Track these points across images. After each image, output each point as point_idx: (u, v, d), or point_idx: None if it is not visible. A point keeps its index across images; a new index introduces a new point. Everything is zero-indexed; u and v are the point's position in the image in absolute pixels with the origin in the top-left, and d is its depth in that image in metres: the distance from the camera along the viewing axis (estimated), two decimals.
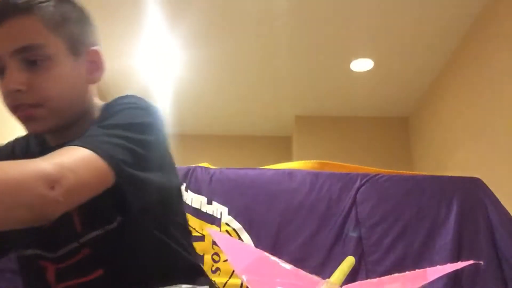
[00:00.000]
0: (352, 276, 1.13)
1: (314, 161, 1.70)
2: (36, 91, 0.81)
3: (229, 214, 1.46)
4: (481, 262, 1.26)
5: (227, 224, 1.44)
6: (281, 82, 3.97)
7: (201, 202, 1.48)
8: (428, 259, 1.36)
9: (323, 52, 3.52)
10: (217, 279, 1.36)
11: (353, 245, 1.40)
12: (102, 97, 0.95)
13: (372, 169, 1.60)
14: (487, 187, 1.47)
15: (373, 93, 4.10)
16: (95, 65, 0.92)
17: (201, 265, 1.06)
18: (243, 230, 1.43)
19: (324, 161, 1.72)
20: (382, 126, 4.48)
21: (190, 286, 0.86)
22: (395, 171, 1.60)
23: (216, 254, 1.40)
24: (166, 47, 3.49)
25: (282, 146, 4.87)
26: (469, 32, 3.15)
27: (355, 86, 3.97)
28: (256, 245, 1.40)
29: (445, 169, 3.44)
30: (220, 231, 1.43)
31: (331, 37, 3.33)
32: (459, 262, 0.50)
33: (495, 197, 1.45)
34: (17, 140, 1.00)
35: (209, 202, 1.48)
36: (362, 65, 3.66)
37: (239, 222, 1.45)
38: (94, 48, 0.91)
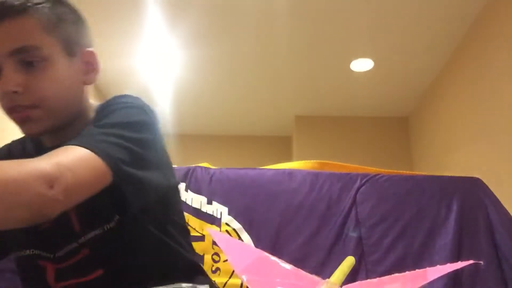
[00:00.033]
0: (352, 276, 1.13)
1: (314, 161, 1.70)
2: (33, 92, 0.81)
3: (229, 214, 1.46)
4: (481, 262, 1.26)
5: (227, 224, 1.44)
6: (281, 82, 3.97)
7: (201, 202, 1.48)
8: (428, 259, 1.36)
9: (323, 52, 3.52)
10: (217, 279, 1.36)
11: (353, 245, 1.40)
12: (102, 97, 0.96)
13: (372, 169, 1.60)
14: (487, 187, 1.47)
15: (373, 93, 4.10)
16: (90, 66, 0.92)
17: (201, 264, 1.06)
18: (243, 230, 1.43)
19: (324, 161, 1.72)
20: (382, 126, 4.48)
21: (190, 285, 0.86)
22: (395, 171, 1.60)
23: (216, 254, 1.40)
24: (166, 47, 3.49)
25: (282, 146, 4.87)
26: (469, 32, 3.15)
27: (355, 86, 3.97)
28: (256, 245, 1.40)
29: (445, 169, 3.45)
30: (220, 231, 1.43)
31: (331, 37, 3.33)
32: (459, 262, 0.50)
33: (495, 197, 1.45)
34: (13, 143, 1.00)
35: (209, 202, 1.48)
36: (362, 65, 3.66)
37: (239, 222, 1.45)
38: (89, 49, 0.92)
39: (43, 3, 0.83)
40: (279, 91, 4.12)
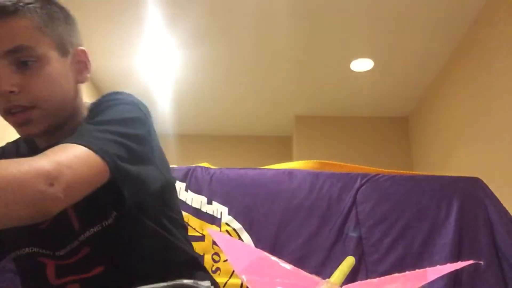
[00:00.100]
0: (352, 276, 1.14)
1: (314, 161, 1.70)
2: (29, 92, 0.81)
3: (229, 214, 1.46)
4: (481, 262, 1.26)
5: (227, 224, 1.44)
6: (281, 82, 3.97)
7: (201, 202, 1.48)
8: (428, 259, 1.36)
9: (323, 52, 3.52)
10: (217, 279, 1.35)
11: (353, 245, 1.40)
12: None
13: (372, 169, 1.60)
14: (487, 187, 1.47)
15: (373, 93, 4.10)
16: (83, 65, 0.92)
17: (200, 260, 1.06)
18: (243, 230, 1.44)
19: (324, 161, 1.72)
20: (382, 126, 4.48)
21: (191, 281, 0.86)
22: (395, 171, 1.60)
23: (216, 254, 1.40)
24: (166, 47, 3.49)
25: (282, 146, 4.87)
26: (469, 32, 3.15)
27: (355, 86, 3.97)
28: (256, 245, 1.40)
29: (445, 169, 3.45)
30: (220, 231, 1.43)
31: (331, 37, 3.33)
32: (459, 262, 0.49)
33: (495, 197, 1.45)
34: (6, 145, 1.01)
35: (209, 202, 1.48)
36: (362, 65, 3.66)
37: (239, 222, 1.45)
38: (81, 48, 0.92)
39: (33, 3, 0.83)
40: (279, 91, 4.12)
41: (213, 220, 1.45)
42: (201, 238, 1.42)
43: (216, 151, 4.77)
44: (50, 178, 0.65)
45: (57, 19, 0.87)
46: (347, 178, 1.52)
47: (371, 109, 4.38)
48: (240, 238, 1.42)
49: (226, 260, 1.38)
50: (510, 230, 1.37)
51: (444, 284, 1.29)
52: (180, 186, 1.50)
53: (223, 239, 0.65)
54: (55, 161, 0.67)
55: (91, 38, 3.30)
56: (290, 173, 1.56)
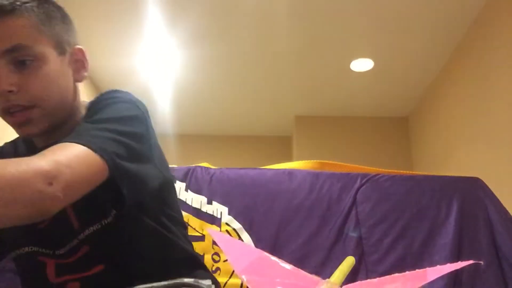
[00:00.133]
0: (352, 276, 1.13)
1: (314, 161, 1.70)
2: (27, 91, 0.81)
3: (229, 214, 1.46)
4: (481, 262, 1.26)
5: (227, 224, 1.44)
6: (281, 82, 3.97)
7: (201, 202, 1.48)
8: (428, 259, 1.36)
9: (323, 52, 3.52)
10: (217, 279, 1.35)
11: (353, 245, 1.40)
12: None
13: (372, 169, 1.60)
14: (487, 187, 1.47)
15: (373, 93, 4.10)
16: (81, 64, 0.92)
17: (199, 256, 1.06)
18: (243, 230, 1.43)
19: (324, 161, 1.72)
20: (382, 126, 4.48)
21: (192, 280, 0.86)
22: (395, 171, 1.60)
23: (216, 254, 1.40)
24: (166, 47, 3.49)
25: (282, 146, 4.87)
26: (469, 32, 3.15)
27: (355, 86, 3.97)
28: (256, 245, 1.40)
29: (445, 169, 3.44)
30: (220, 231, 1.43)
31: (331, 37, 3.33)
32: (459, 262, 0.49)
33: (495, 197, 1.45)
34: (4, 145, 1.01)
35: (209, 202, 1.48)
36: (362, 65, 3.66)
37: (239, 222, 1.45)
38: (78, 46, 0.92)
39: (30, 2, 0.83)
40: (279, 91, 4.12)
41: (213, 220, 1.45)
42: (201, 238, 1.42)
43: (216, 151, 4.77)
44: (49, 177, 0.65)
45: (54, 18, 0.87)
46: (347, 178, 1.52)
47: (371, 109, 4.38)
48: (240, 238, 1.42)
49: (226, 260, 1.38)
50: (510, 230, 1.37)
51: (444, 284, 1.29)
52: (180, 186, 1.50)
53: (223, 239, 0.65)
54: (54, 161, 0.67)
55: (91, 38, 3.30)
56: (290, 173, 1.56)
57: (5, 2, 0.80)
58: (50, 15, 0.86)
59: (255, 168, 1.60)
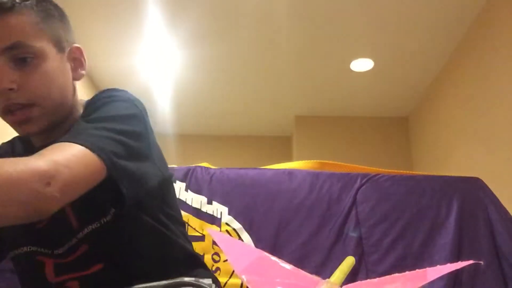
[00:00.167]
0: (352, 276, 1.13)
1: (314, 161, 1.70)
2: (27, 89, 0.81)
3: (229, 214, 1.46)
4: (481, 262, 1.26)
5: (227, 224, 1.44)
6: (281, 82, 3.97)
7: (201, 202, 1.48)
8: (428, 259, 1.36)
9: (323, 52, 3.52)
10: (218, 279, 1.36)
11: (353, 245, 1.40)
12: None
13: (372, 169, 1.60)
14: (487, 187, 1.47)
15: (373, 93, 4.10)
16: (78, 62, 0.92)
17: (199, 255, 1.06)
18: (243, 230, 1.43)
19: (324, 161, 1.72)
20: (382, 126, 4.48)
21: (193, 279, 0.86)
22: (395, 171, 1.60)
23: (216, 254, 1.40)
24: (166, 47, 3.49)
25: (282, 146, 4.87)
26: (469, 32, 3.15)
27: (355, 86, 3.97)
28: (256, 245, 1.40)
29: (445, 169, 3.45)
30: (220, 231, 1.43)
31: (331, 37, 3.33)
32: (459, 262, 0.49)
33: (495, 197, 1.45)
34: (2, 145, 1.00)
35: (209, 202, 1.48)
36: (362, 65, 3.66)
37: (239, 222, 1.45)
38: (76, 45, 0.92)
39: (29, 0, 0.83)
40: (279, 91, 4.12)
41: (213, 220, 1.45)
42: (201, 238, 1.42)
43: (216, 151, 4.77)
44: (47, 177, 0.65)
45: (53, 16, 0.87)
46: (347, 178, 1.52)
47: (371, 109, 4.38)
48: (240, 238, 1.42)
49: (226, 260, 1.38)
50: (510, 230, 1.37)
51: (444, 284, 1.29)
52: (180, 186, 1.50)
53: (223, 239, 0.65)
54: (51, 160, 0.67)
55: (91, 38, 3.30)
56: (290, 173, 1.56)
57: (5, 0, 0.80)
58: (49, 13, 0.86)
59: (255, 168, 1.60)
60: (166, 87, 4.05)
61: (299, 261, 1.37)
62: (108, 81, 3.84)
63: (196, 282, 0.85)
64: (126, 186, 0.77)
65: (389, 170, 1.59)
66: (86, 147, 0.73)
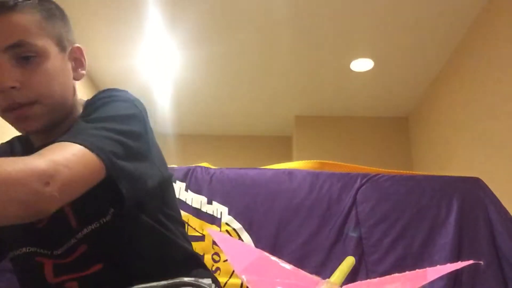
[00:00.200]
0: (352, 276, 1.13)
1: (314, 161, 1.70)
2: (30, 88, 0.81)
3: (229, 214, 1.46)
4: (481, 262, 1.26)
5: (227, 224, 1.44)
6: (281, 82, 3.97)
7: (201, 202, 1.48)
8: (428, 259, 1.36)
9: (323, 52, 3.52)
10: (217, 279, 1.36)
11: (353, 245, 1.40)
12: None
13: (372, 169, 1.60)
14: (487, 187, 1.47)
15: (373, 93, 4.10)
16: (79, 62, 0.93)
17: (198, 255, 1.06)
18: (243, 230, 1.43)
19: (324, 161, 1.72)
20: (382, 126, 4.48)
21: (193, 279, 0.86)
22: (395, 171, 1.60)
23: (216, 254, 1.40)
24: (166, 47, 3.49)
25: (282, 146, 4.87)
26: (469, 32, 3.15)
27: (355, 86, 3.97)
28: (256, 245, 1.40)
29: (445, 169, 3.45)
30: (220, 231, 1.43)
31: (331, 37, 3.33)
32: (459, 262, 0.49)
33: (495, 197, 1.45)
34: (0, 146, 1.00)
35: (209, 202, 1.48)
36: (362, 65, 3.66)
37: (239, 222, 1.45)
38: (77, 45, 0.92)
39: None
40: (279, 91, 4.12)
41: (213, 220, 1.45)
42: (201, 238, 1.42)
43: (216, 151, 4.77)
44: (46, 177, 0.65)
45: (54, 16, 0.87)
46: (347, 178, 1.52)
47: (371, 109, 4.38)
48: (240, 238, 1.42)
49: (226, 260, 1.38)
50: (510, 230, 1.37)
51: (444, 284, 1.29)
52: (180, 186, 1.50)
53: (223, 239, 0.65)
54: (50, 160, 0.67)
55: (92, 39, 3.30)
56: (290, 173, 1.56)
57: None
58: (51, 13, 0.86)
59: (255, 168, 1.60)
60: (166, 87, 4.05)
61: (299, 261, 1.36)
62: (108, 81, 3.84)
63: (196, 282, 0.85)
64: (126, 186, 0.77)
65: (389, 170, 1.59)
66: (86, 146, 0.72)
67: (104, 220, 0.83)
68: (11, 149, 0.97)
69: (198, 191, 1.50)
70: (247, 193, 1.50)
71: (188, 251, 0.96)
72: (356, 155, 4.21)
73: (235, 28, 3.26)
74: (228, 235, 1.40)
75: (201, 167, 1.58)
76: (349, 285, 0.52)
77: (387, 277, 0.52)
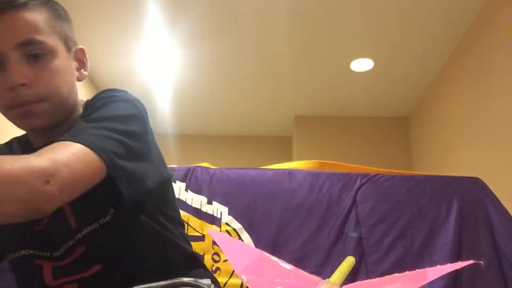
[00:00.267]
0: (352, 276, 1.13)
1: (314, 161, 1.70)
2: (38, 85, 0.82)
3: (229, 214, 1.46)
4: (481, 262, 1.26)
5: (227, 224, 1.44)
6: (281, 82, 3.97)
7: (201, 202, 1.48)
8: (428, 259, 1.36)
9: (323, 52, 3.52)
10: (217, 279, 1.35)
11: (353, 245, 1.40)
12: None
13: (372, 169, 1.60)
14: (487, 187, 1.47)
15: (373, 93, 4.10)
16: (82, 63, 0.94)
17: (198, 256, 1.06)
18: (243, 230, 1.43)
19: (324, 161, 1.72)
20: (382, 126, 4.48)
21: (192, 279, 0.86)
22: (395, 171, 1.60)
23: (216, 254, 1.40)
24: (166, 47, 3.49)
25: (282, 146, 4.87)
26: (469, 32, 3.15)
27: (355, 86, 3.97)
28: (256, 245, 1.40)
29: (445, 169, 3.45)
30: (220, 231, 1.43)
31: (331, 37, 3.33)
32: (459, 262, 0.49)
33: (495, 197, 1.45)
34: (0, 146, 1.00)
35: (209, 202, 1.48)
36: (362, 65, 3.66)
37: (239, 222, 1.45)
38: (80, 46, 0.93)
39: None
40: (279, 91, 4.12)
41: (213, 220, 1.45)
42: (201, 238, 1.42)
43: (216, 151, 4.77)
44: (46, 175, 0.65)
45: (61, 16, 0.88)
46: (347, 178, 1.52)
47: (371, 109, 4.38)
48: (240, 238, 1.42)
49: (226, 260, 1.38)
50: (510, 230, 1.37)
51: (444, 284, 1.29)
52: (180, 186, 1.50)
53: (223, 239, 0.65)
54: (51, 159, 0.67)
55: (91, 38, 3.30)
56: (290, 173, 1.56)
57: None
58: (58, 13, 0.88)
59: (255, 168, 1.60)
60: (166, 87, 4.05)
61: (299, 261, 1.36)
62: (108, 81, 3.84)
63: (195, 283, 0.85)
64: (126, 186, 0.77)
65: (389, 170, 1.59)
66: (86, 146, 0.72)
67: (104, 221, 0.83)
68: (10, 150, 0.97)
69: (198, 191, 1.50)
70: (247, 193, 1.50)
71: (188, 252, 0.96)
72: (356, 155, 4.21)
73: (235, 27, 3.26)
74: (228, 235, 1.40)
75: (201, 167, 1.58)
76: (349, 285, 0.52)
77: (387, 277, 0.52)
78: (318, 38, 3.35)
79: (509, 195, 1.88)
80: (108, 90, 0.92)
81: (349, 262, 0.63)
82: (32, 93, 0.81)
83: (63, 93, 0.85)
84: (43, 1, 0.84)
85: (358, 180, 1.51)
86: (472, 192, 1.45)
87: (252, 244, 1.41)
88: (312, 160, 1.71)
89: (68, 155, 0.70)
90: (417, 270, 0.50)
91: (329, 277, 0.56)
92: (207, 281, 0.90)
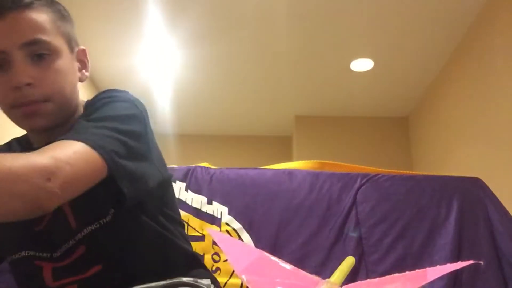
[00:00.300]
0: (352, 276, 1.13)
1: (314, 161, 1.70)
2: (43, 85, 0.82)
3: (229, 214, 1.46)
4: (481, 262, 1.26)
5: (227, 224, 1.44)
6: (281, 82, 3.97)
7: (201, 202, 1.48)
8: (428, 259, 1.36)
9: (323, 52, 3.52)
10: (217, 279, 1.35)
11: (353, 245, 1.40)
12: None
13: (372, 169, 1.60)
14: (487, 187, 1.47)
15: (373, 93, 4.10)
16: (84, 64, 0.94)
17: (198, 256, 1.06)
18: (243, 230, 1.43)
19: (324, 161, 1.72)
20: (382, 126, 4.48)
21: (192, 279, 0.86)
22: (395, 171, 1.60)
23: (216, 254, 1.40)
24: (166, 47, 3.49)
25: (282, 146, 4.87)
26: (469, 32, 3.15)
27: (355, 86, 3.97)
28: (256, 245, 1.40)
29: (445, 169, 3.45)
30: (220, 231, 1.43)
31: (331, 37, 3.33)
32: (459, 262, 0.49)
33: (495, 197, 1.45)
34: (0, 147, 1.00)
35: (209, 202, 1.48)
36: (362, 65, 3.66)
37: (239, 222, 1.45)
38: (82, 47, 0.94)
39: None
40: (279, 91, 4.12)
41: (213, 220, 1.45)
42: (201, 238, 1.42)
43: (216, 151, 4.77)
44: (48, 173, 0.65)
45: (64, 16, 0.89)
46: (347, 178, 1.52)
47: (371, 109, 4.38)
48: (240, 238, 1.42)
49: (226, 260, 1.38)
50: (510, 230, 1.37)
51: (444, 284, 1.29)
52: (180, 186, 1.50)
53: (223, 239, 0.65)
54: (53, 157, 0.67)
55: (91, 38, 3.30)
56: (290, 173, 1.56)
57: None
58: (62, 14, 0.88)
59: (255, 168, 1.60)
60: (166, 87, 4.05)
61: (299, 261, 1.36)
62: (108, 81, 3.84)
63: (195, 283, 0.85)
64: (127, 185, 0.77)
65: (389, 170, 1.59)
66: (88, 144, 0.73)
67: (104, 221, 0.83)
68: (10, 150, 0.97)
69: (198, 191, 1.50)
70: (247, 193, 1.50)
71: (188, 252, 0.96)
72: (356, 155, 4.21)
73: (235, 27, 3.26)
74: (228, 235, 1.40)
75: (201, 167, 1.58)
76: (349, 285, 0.52)
77: (387, 277, 0.52)
78: (318, 38, 3.35)
79: (509, 195, 1.88)
80: (109, 90, 0.92)
81: (349, 262, 0.63)
82: (37, 93, 0.81)
83: (67, 93, 0.86)
84: (47, 1, 0.85)
85: (358, 180, 1.51)
86: (472, 192, 1.45)
87: (252, 244, 1.41)
88: (312, 160, 1.71)
89: (69, 153, 0.70)
90: (417, 270, 0.50)
91: (329, 277, 0.56)
92: (207, 281, 0.90)
